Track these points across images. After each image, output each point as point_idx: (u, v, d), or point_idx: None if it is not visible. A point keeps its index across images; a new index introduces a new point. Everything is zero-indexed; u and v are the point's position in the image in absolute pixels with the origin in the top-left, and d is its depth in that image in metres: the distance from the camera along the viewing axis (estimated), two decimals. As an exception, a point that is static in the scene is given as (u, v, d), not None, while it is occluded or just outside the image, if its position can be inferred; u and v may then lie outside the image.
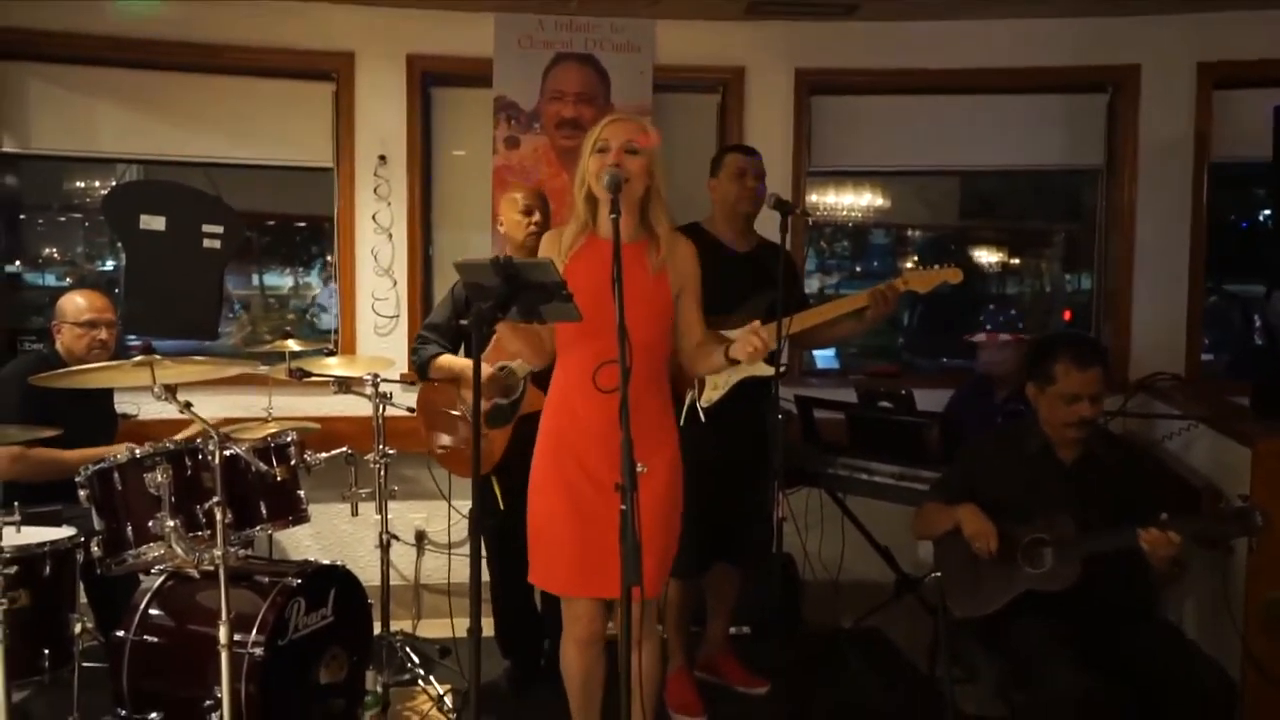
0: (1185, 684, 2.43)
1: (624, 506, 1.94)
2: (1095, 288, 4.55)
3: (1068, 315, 5.00)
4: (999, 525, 2.65)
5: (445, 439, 3.45)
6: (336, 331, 4.28)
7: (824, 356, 4.80)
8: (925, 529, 2.91)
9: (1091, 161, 4.43)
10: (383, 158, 4.14)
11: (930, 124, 4.42)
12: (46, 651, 2.77)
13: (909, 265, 4.77)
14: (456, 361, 3.34)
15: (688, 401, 2.98)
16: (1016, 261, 5.45)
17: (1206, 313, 4.44)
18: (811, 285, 4.98)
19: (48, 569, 2.79)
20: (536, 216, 3.36)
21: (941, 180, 4.99)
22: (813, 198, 4.65)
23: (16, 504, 2.55)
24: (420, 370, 3.41)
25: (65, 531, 2.91)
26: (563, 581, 2.51)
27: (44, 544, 2.79)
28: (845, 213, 5.02)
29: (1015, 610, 2.64)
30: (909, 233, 5.32)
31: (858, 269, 5.51)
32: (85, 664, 2.87)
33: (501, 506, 3.27)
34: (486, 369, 3.07)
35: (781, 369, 3.09)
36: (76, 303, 3.42)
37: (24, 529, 2.78)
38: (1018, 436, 2.83)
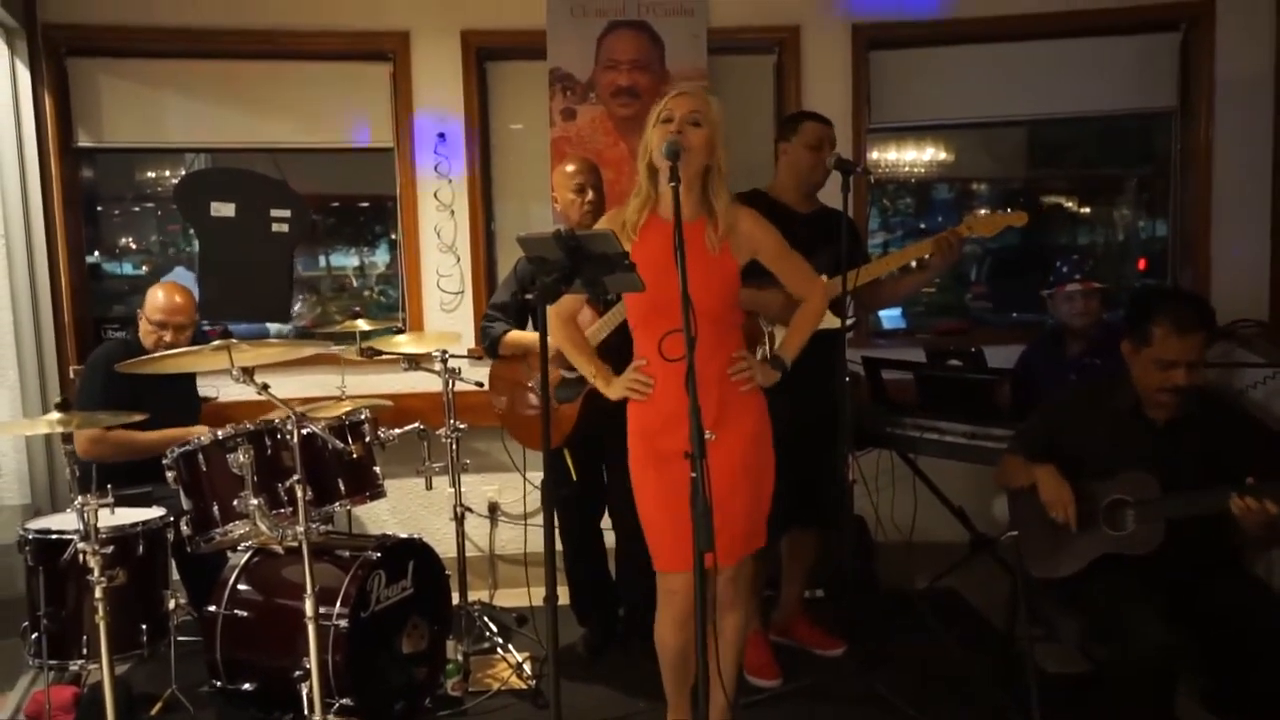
0: (1273, 639, 2.37)
1: (694, 474, 1.95)
2: (1171, 233, 4.41)
3: (1143, 264, 4.85)
4: (1079, 484, 2.59)
5: (518, 411, 3.50)
6: (404, 309, 4.35)
7: (890, 316, 4.73)
8: (1004, 480, 2.87)
9: (1164, 103, 4.29)
10: (442, 135, 4.18)
11: (993, 73, 4.31)
12: (144, 626, 2.91)
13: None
14: (525, 336, 3.36)
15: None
16: (1088, 210, 5.29)
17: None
18: (875, 242, 4.90)
19: (141, 548, 2.91)
20: (590, 195, 3.34)
21: (1007, 131, 4.85)
22: (874, 155, 4.57)
23: (109, 487, 2.65)
24: (490, 349, 3.44)
25: (156, 512, 3.03)
26: (665, 558, 2.47)
27: (137, 524, 2.91)
28: (908, 168, 4.92)
29: (1095, 567, 2.59)
30: (974, 186, 5.18)
31: (922, 225, 5.38)
32: (180, 638, 3.01)
33: (574, 478, 3.31)
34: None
35: (850, 321, 3.06)
36: (155, 299, 3.47)
37: (117, 510, 2.89)
38: (1108, 391, 2.70)
